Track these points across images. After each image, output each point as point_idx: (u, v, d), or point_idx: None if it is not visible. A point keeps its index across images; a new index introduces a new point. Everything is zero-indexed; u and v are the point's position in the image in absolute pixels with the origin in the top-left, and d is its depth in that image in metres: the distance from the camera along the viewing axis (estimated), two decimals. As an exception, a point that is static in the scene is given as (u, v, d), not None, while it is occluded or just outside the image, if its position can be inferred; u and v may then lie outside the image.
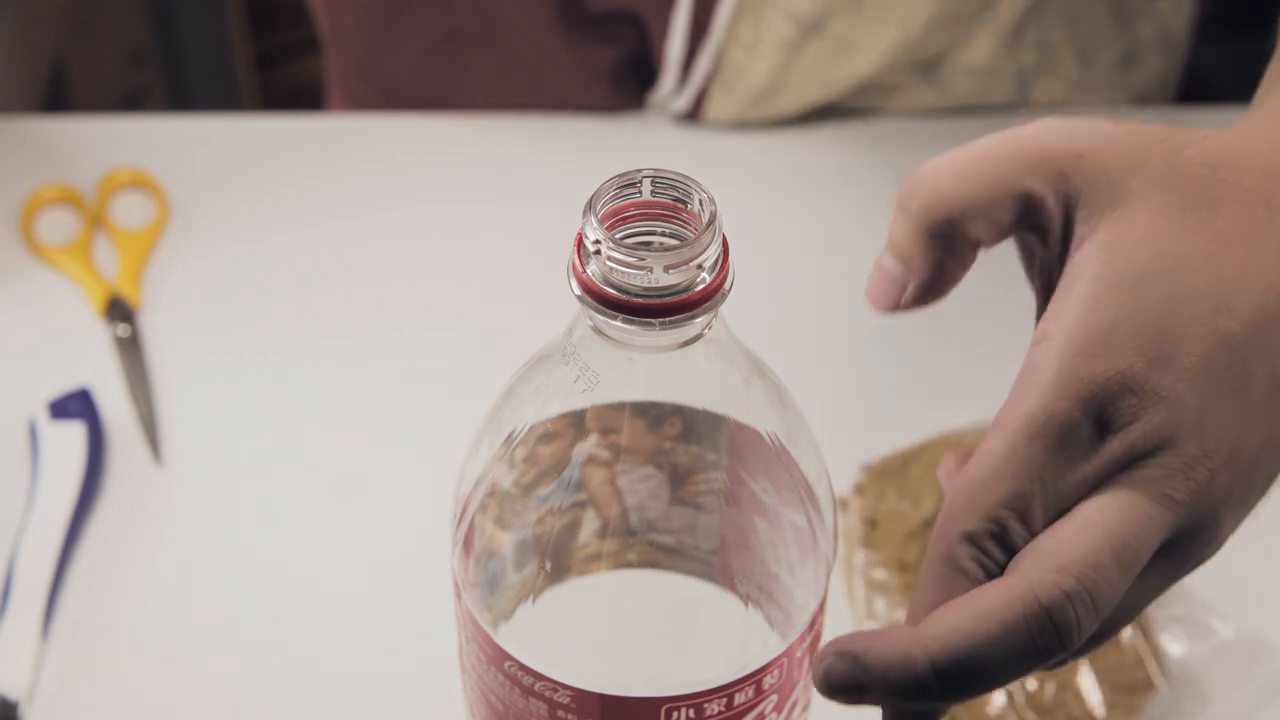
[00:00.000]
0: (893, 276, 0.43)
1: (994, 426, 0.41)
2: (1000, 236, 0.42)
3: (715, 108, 0.82)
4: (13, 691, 0.59)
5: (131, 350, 0.71)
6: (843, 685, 0.37)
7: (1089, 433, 0.39)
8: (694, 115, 0.83)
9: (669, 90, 0.82)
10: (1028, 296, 0.80)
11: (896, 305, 0.43)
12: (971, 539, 0.39)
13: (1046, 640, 0.37)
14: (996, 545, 0.39)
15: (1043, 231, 0.42)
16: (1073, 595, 0.37)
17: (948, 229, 0.42)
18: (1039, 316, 0.43)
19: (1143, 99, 0.86)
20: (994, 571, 0.39)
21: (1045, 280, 0.43)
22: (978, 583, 0.39)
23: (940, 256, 0.42)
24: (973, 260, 0.43)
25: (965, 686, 0.37)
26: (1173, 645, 0.61)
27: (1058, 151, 0.42)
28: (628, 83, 0.84)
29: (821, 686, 0.38)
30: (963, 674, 0.37)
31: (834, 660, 0.37)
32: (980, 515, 0.39)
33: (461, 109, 0.85)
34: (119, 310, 0.73)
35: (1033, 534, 0.39)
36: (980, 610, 0.37)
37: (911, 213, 0.42)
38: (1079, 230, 0.41)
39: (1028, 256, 0.44)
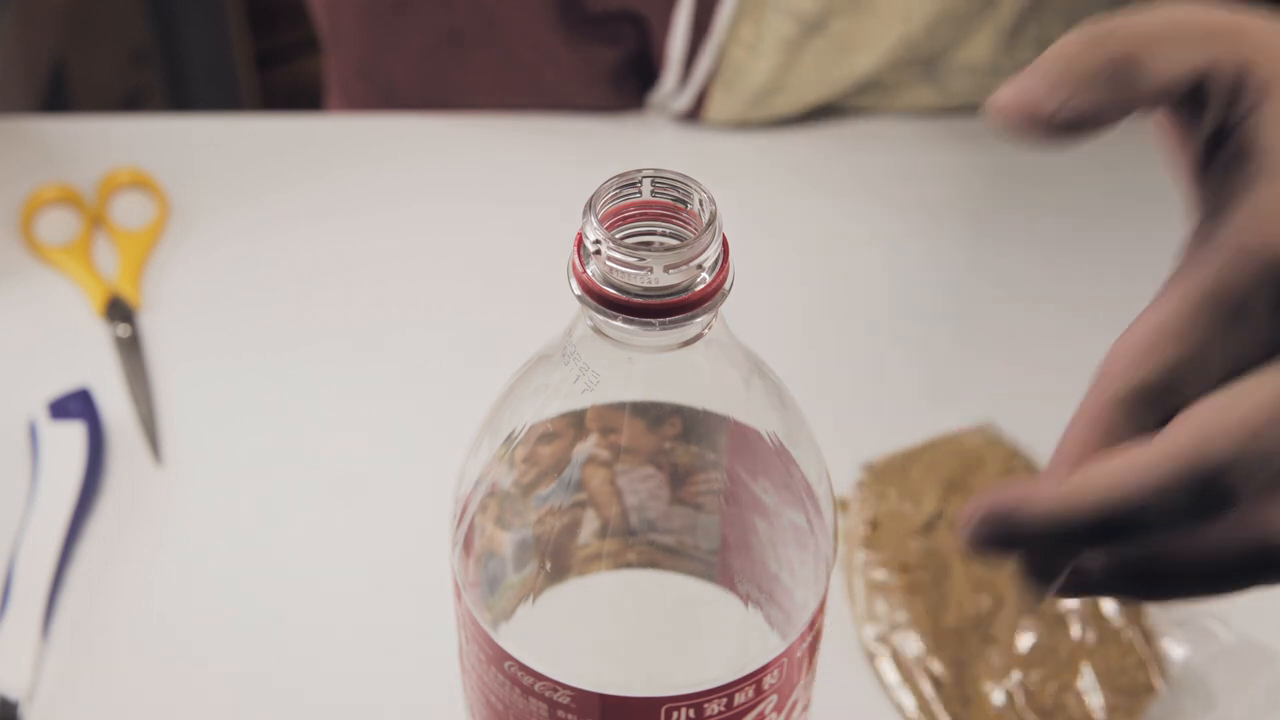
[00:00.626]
0: (1054, 86, 0.39)
1: (1162, 292, 0.39)
2: (1161, 102, 0.40)
3: (716, 107, 0.82)
4: (13, 691, 0.59)
5: (131, 350, 0.71)
6: (994, 541, 0.37)
7: (1265, 305, 0.38)
8: (694, 115, 0.83)
9: (670, 89, 0.82)
10: (1028, 297, 0.80)
11: (1043, 118, 0.40)
12: (1128, 400, 0.38)
13: (1214, 494, 0.36)
14: (1154, 409, 0.38)
15: (1202, 105, 0.40)
16: (1244, 451, 0.36)
17: (1134, 74, 0.39)
18: (1193, 196, 0.41)
19: None
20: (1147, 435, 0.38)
21: (1201, 157, 0.41)
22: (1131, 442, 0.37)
23: (1108, 97, 0.39)
24: (1118, 122, 0.40)
25: (1122, 537, 0.36)
26: (1175, 649, 0.61)
27: (1229, 24, 0.40)
28: (628, 83, 0.84)
29: (971, 544, 0.37)
30: (1122, 526, 0.36)
31: (981, 525, 0.37)
32: (1141, 377, 0.38)
33: (461, 109, 0.85)
34: (119, 310, 0.73)
35: (1192, 403, 0.37)
36: (1143, 463, 0.36)
37: (1116, 38, 0.39)
38: (1246, 100, 0.39)
39: (1178, 134, 0.42)
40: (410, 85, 0.86)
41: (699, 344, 0.41)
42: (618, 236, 0.39)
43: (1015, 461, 0.66)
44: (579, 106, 0.84)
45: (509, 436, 0.44)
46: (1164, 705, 0.60)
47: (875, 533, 0.64)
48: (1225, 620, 0.62)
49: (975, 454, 0.67)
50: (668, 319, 0.39)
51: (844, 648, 0.62)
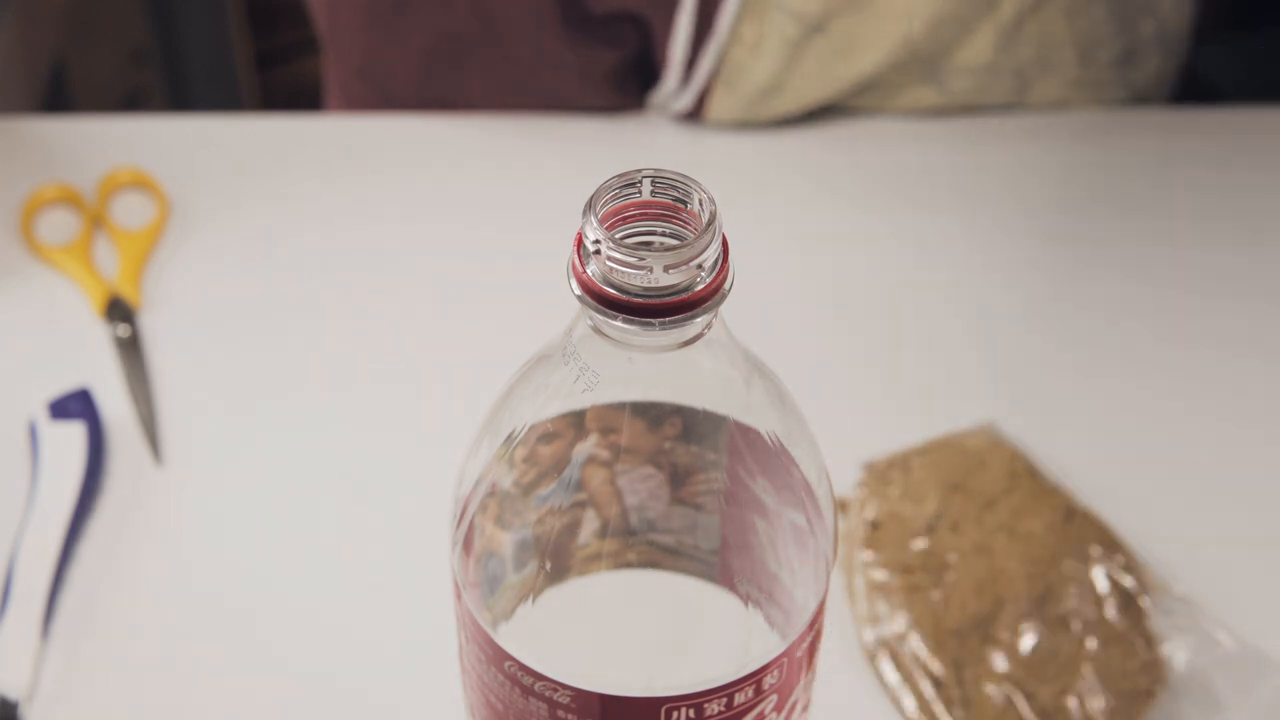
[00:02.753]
0: None
1: None
2: None
3: (717, 107, 0.82)
4: (13, 691, 0.59)
5: (131, 350, 0.71)
6: None
7: None
8: (695, 115, 0.83)
9: (671, 90, 0.82)
10: (1028, 297, 0.80)
11: None
12: None
13: None
14: None
15: None
16: None
17: None
18: None
19: (1141, 97, 0.86)
20: None
21: None
22: None
23: None
24: None
25: None
26: (1177, 654, 0.61)
27: None
28: (629, 83, 0.84)
29: None
30: None
31: None
32: None
33: (461, 109, 0.85)
34: (119, 310, 0.73)
35: None
36: None
37: None
38: None
39: None
40: (410, 85, 0.86)
41: (699, 344, 0.41)
42: (618, 236, 0.39)
43: (1017, 464, 0.66)
44: (579, 107, 0.84)
45: (509, 436, 0.44)
46: (1165, 710, 0.60)
47: (876, 533, 0.64)
48: (1228, 626, 0.62)
49: (977, 455, 0.67)
50: (668, 319, 0.39)
51: (844, 648, 0.62)
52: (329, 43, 0.90)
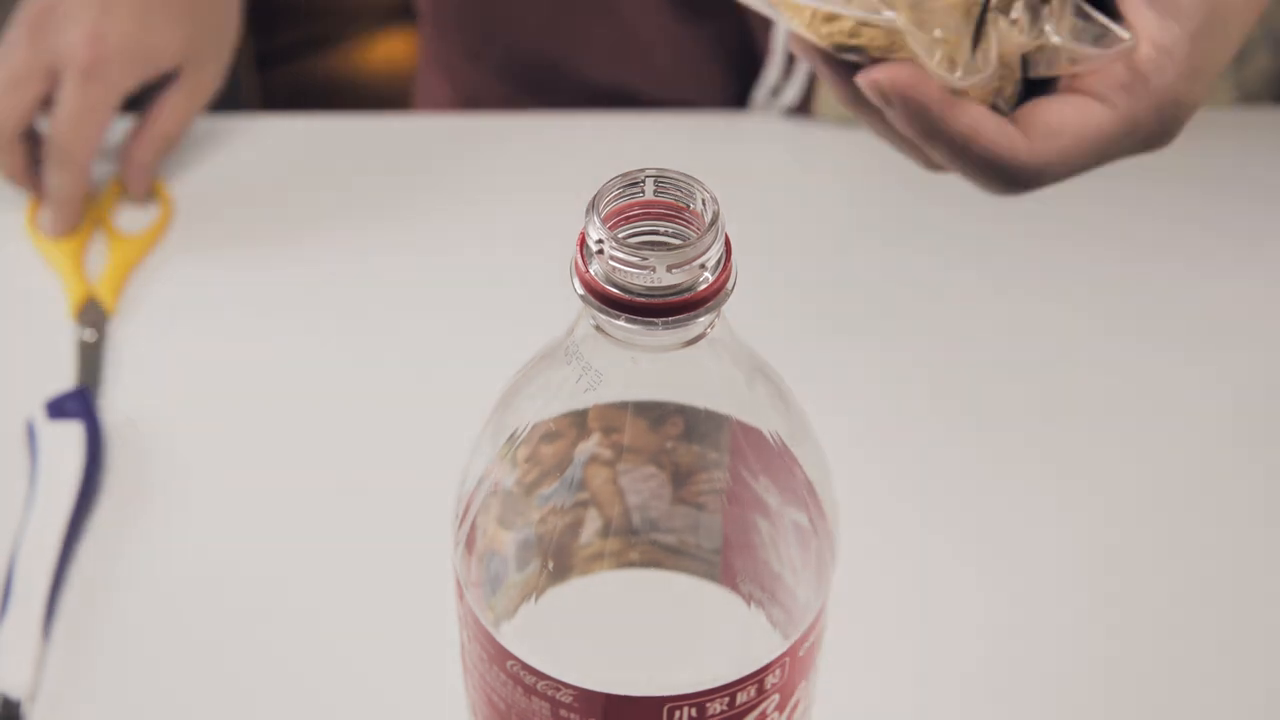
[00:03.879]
0: None
1: None
2: None
3: (825, 100, 0.82)
4: (15, 691, 0.59)
5: (92, 355, 0.71)
6: (883, 96, 0.48)
7: None
8: (804, 109, 0.83)
9: (773, 83, 0.81)
10: (1028, 296, 0.80)
11: None
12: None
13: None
14: None
15: None
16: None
17: None
18: None
19: (1251, 96, 0.86)
20: None
21: None
22: None
23: None
24: None
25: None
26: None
27: None
28: (739, 70, 0.83)
29: (871, 87, 0.48)
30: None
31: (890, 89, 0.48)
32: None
33: (574, 84, 0.84)
34: (91, 314, 0.72)
35: None
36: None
37: None
38: None
39: None
40: (523, 61, 0.86)
41: (701, 343, 0.41)
42: (620, 236, 0.40)
43: None
44: (689, 91, 0.84)
45: (511, 436, 0.44)
46: None
47: None
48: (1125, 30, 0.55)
49: None
50: (670, 318, 0.39)
51: (845, 647, 0.62)
52: (432, 27, 0.90)
